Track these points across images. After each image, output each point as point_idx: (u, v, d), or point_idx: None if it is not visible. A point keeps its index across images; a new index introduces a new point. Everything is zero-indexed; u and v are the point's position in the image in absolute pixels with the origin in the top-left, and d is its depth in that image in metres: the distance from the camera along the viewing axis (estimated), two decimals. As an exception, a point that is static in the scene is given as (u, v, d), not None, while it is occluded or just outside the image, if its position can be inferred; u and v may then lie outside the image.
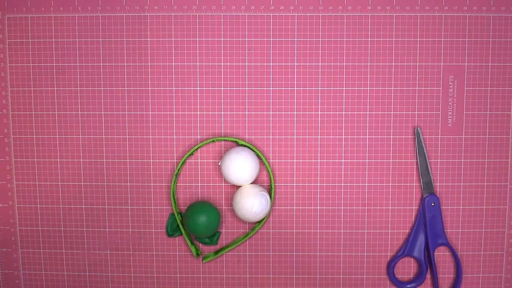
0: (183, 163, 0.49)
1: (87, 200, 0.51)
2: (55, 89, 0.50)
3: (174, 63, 0.49)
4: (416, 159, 0.49)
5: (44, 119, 0.50)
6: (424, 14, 0.49)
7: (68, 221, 0.51)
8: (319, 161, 0.50)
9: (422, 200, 0.49)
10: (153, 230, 0.51)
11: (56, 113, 0.50)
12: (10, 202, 0.51)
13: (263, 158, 0.49)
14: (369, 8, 0.49)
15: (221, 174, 0.49)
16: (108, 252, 0.51)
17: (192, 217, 0.47)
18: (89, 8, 0.49)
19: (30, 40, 0.50)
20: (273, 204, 0.50)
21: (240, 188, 0.48)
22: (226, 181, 0.50)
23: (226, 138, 0.49)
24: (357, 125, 0.49)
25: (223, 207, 0.50)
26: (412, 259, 0.51)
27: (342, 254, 0.50)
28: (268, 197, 0.47)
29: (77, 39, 0.49)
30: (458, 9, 0.49)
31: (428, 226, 0.49)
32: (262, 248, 0.51)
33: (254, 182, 0.50)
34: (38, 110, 0.50)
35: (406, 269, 0.51)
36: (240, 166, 0.46)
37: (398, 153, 0.49)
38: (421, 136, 0.49)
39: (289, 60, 0.49)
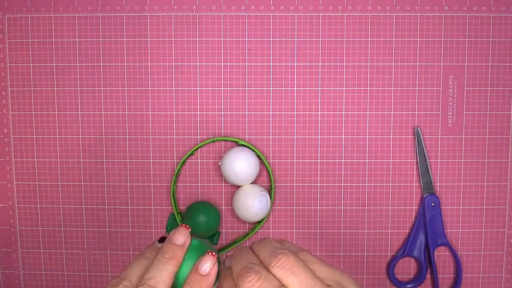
0: (183, 163, 0.49)
1: (87, 200, 0.51)
2: (55, 89, 0.50)
3: (174, 63, 0.49)
4: (416, 159, 0.49)
5: (44, 119, 0.50)
6: (424, 14, 0.49)
7: (68, 221, 0.51)
8: (319, 161, 0.50)
9: (422, 200, 0.49)
10: (153, 230, 0.51)
11: (56, 113, 0.50)
12: (10, 202, 0.51)
13: (263, 158, 0.49)
14: (369, 8, 0.49)
15: (221, 174, 0.49)
16: (108, 252, 0.51)
17: (192, 217, 0.47)
18: (89, 8, 0.49)
19: (30, 40, 0.50)
20: (273, 204, 0.50)
21: (240, 188, 0.48)
22: (226, 181, 0.50)
23: (226, 138, 0.49)
24: (357, 125, 0.49)
25: (223, 207, 0.50)
26: (412, 259, 0.51)
27: (342, 254, 0.50)
28: (268, 197, 0.47)
29: (77, 39, 0.49)
30: (458, 9, 0.49)
31: (428, 226, 0.49)
32: (262, 248, 0.50)
33: (254, 182, 0.50)
34: (38, 110, 0.50)
35: (406, 269, 0.51)
36: (240, 166, 0.46)
37: (398, 153, 0.49)
38: (421, 136, 0.49)
39: (289, 60, 0.49)
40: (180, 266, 0.31)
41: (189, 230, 0.32)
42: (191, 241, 0.32)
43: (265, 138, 0.50)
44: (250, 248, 0.31)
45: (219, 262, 0.32)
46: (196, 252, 0.32)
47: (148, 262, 0.31)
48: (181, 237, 0.32)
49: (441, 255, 0.50)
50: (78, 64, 0.50)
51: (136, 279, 0.30)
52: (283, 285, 0.27)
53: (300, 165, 0.50)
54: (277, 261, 0.28)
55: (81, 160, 0.50)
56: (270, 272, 0.28)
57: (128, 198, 0.50)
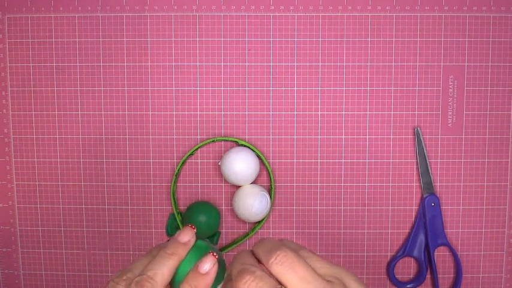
0: (183, 163, 0.49)
1: (87, 200, 0.51)
2: (55, 89, 0.50)
3: (174, 63, 0.49)
4: (416, 159, 0.49)
5: (44, 119, 0.50)
6: (424, 14, 0.49)
7: (68, 221, 0.51)
8: (319, 161, 0.50)
9: (422, 200, 0.49)
10: (153, 230, 0.51)
11: (56, 113, 0.50)
12: (10, 202, 0.51)
13: (263, 158, 0.49)
14: (369, 8, 0.49)
15: (221, 174, 0.49)
16: (108, 252, 0.51)
17: (192, 217, 0.47)
18: (89, 8, 0.49)
19: (30, 40, 0.50)
20: (273, 204, 0.50)
21: (240, 188, 0.48)
22: (226, 181, 0.50)
23: (226, 138, 0.49)
24: (357, 125, 0.49)
25: (223, 207, 0.50)
26: (412, 259, 0.51)
27: (342, 254, 0.50)
28: (268, 197, 0.47)
29: (77, 39, 0.49)
30: (458, 9, 0.49)
31: (428, 226, 0.49)
32: (262, 248, 0.50)
33: (254, 182, 0.50)
34: (38, 110, 0.50)
35: (406, 269, 0.51)
36: (240, 166, 0.46)
37: (398, 153, 0.49)
38: (421, 136, 0.49)
39: (289, 60, 0.49)
40: (181, 262, 0.32)
41: (195, 230, 0.33)
42: (197, 242, 0.33)
43: (265, 138, 0.50)
44: (252, 250, 0.32)
45: (223, 265, 0.32)
46: (201, 253, 0.32)
47: (152, 259, 0.32)
48: (186, 236, 0.33)
49: (441, 255, 0.50)
50: (78, 64, 0.50)
51: (139, 273, 0.31)
52: (281, 283, 0.27)
53: (300, 165, 0.50)
54: (276, 258, 0.28)
55: (81, 160, 0.50)
56: (268, 271, 0.28)
57: (128, 198, 0.50)
